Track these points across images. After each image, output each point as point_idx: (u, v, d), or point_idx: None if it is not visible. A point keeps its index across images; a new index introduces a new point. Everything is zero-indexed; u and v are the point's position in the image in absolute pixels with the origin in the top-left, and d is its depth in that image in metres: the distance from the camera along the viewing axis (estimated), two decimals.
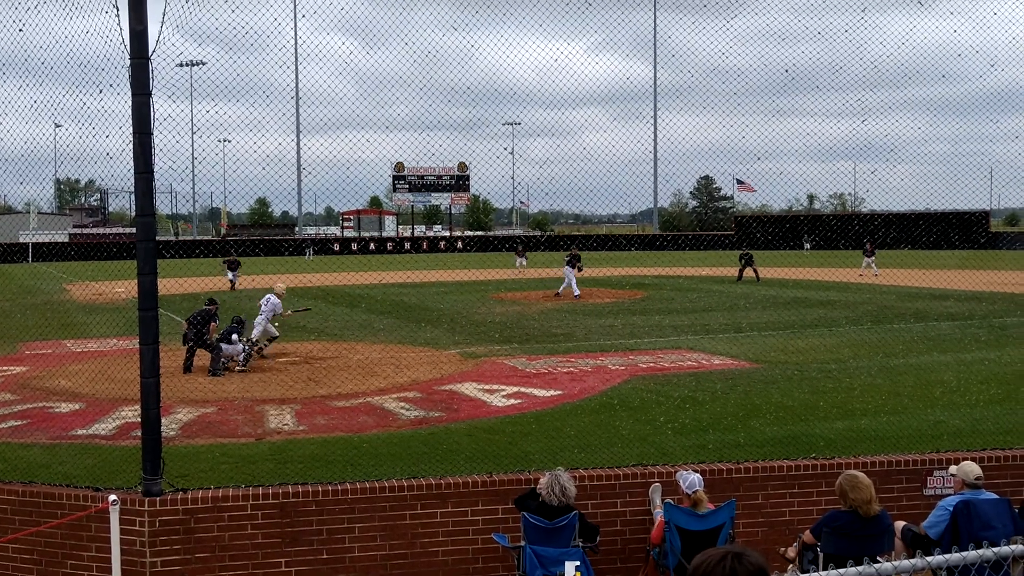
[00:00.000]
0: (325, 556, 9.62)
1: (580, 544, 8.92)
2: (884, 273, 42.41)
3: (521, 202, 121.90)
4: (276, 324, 21.74)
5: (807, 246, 73.64)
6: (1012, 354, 19.47)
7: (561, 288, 36.46)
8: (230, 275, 42.21)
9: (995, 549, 4.94)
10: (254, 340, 20.68)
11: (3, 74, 11.61)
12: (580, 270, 36.58)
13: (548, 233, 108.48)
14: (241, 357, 19.66)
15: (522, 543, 8.91)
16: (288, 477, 10.38)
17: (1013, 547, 5.07)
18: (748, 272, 43.38)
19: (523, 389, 16.53)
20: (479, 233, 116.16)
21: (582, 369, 18.52)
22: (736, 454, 11.16)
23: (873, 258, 46.74)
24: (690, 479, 9.30)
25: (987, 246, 75.08)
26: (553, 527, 8.80)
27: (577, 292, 35.69)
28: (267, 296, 21.45)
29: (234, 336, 19.83)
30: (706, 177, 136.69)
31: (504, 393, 16.22)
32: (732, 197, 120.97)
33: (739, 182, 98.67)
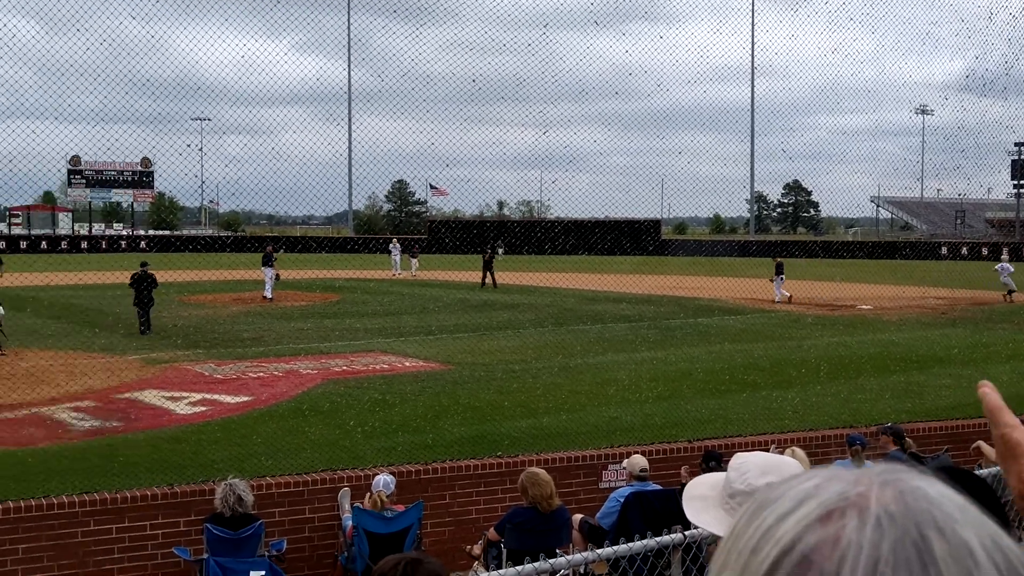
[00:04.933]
0: None
1: (266, 553, 8.73)
2: (567, 278, 44.71)
3: (211, 201, 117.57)
4: None
5: (501, 251, 76.33)
6: (677, 353, 21.09)
7: (268, 291, 35.21)
8: None
9: (657, 539, 5.32)
10: None
11: None
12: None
13: (240, 234, 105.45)
14: None
15: (205, 555, 8.59)
16: None
17: (673, 536, 5.49)
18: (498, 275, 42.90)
19: (210, 396, 15.97)
20: (165, 232, 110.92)
21: (273, 374, 18.15)
22: (425, 455, 11.34)
23: (416, 260, 51.35)
24: (377, 478, 9.35)
25: (657, 252, 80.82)
26: (238, 537, 8.55)
27: (270, 295, 34.91)
28: None
29: None
30: (401, 181, 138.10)
31: (189, 400, 15.60)
32: (426, 202, 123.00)
33: (432, 187, 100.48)
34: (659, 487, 9.75)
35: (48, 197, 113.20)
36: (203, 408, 15.05)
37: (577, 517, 9.62)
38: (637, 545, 5.30)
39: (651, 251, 79.19)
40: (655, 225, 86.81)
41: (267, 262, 35.68)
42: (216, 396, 15.95)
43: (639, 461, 9.85)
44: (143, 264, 26.28)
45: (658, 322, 28.04)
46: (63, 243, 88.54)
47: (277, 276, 35.34)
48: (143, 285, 25.31)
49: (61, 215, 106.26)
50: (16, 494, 9.53)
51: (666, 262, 57.64)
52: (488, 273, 42.35)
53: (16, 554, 8.94)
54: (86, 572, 9.14)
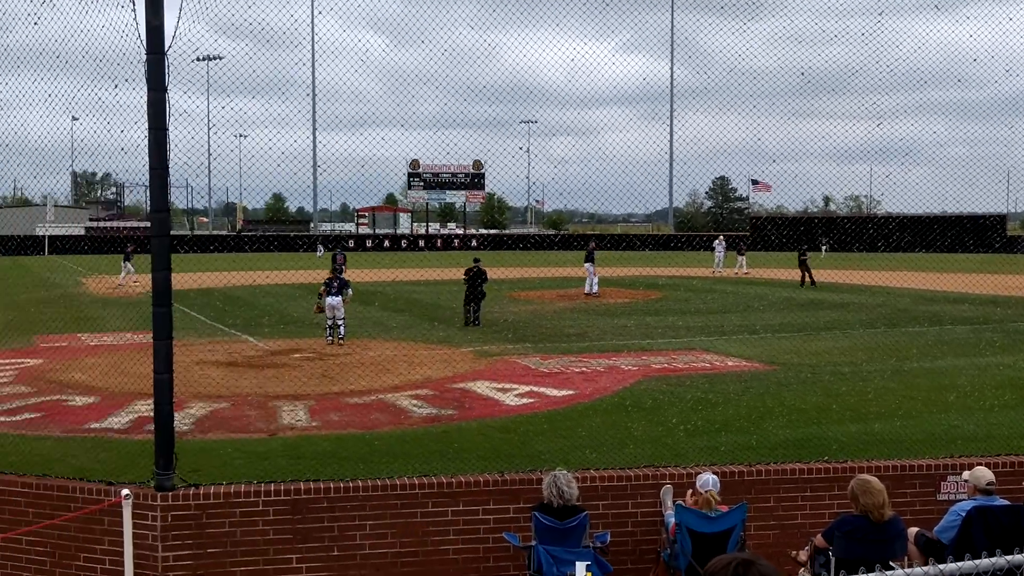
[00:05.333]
0: (336, 553, 9.63)
1: (591, 544, 8.91)
2: (901, 276, 42.21)
3: (536, 200, 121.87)
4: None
5: (824, 249, 73.31)
6: None
7: (588, 287, 36.33)
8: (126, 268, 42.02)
9: (1008, 557, 4.90)
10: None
11: (19, 67, 11.65)
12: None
13: (563, 232, 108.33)
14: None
15: (533, 542, 8.91)
16: (300, 474, 10.39)
17: None
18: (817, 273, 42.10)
19: (536, 388, 16.52)
20: (493, 231, 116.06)
21: (595, 369, 18.50)
22: (748, 456, 11.13)
23: (744, 257, 48.32)
24: (704, 477, 9.28)
25: (1003, 250, 74.51)
26: (564, 527, 8.80)
27: (595, 290, 35.78)
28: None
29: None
30: (722, 177, 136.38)
31: (517, 392, 16.22)
32: (747, 198, 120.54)
33: (754, 182, 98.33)
34: (1006, 502, 9.00)
35: (390, 199, 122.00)
36: (530, 400, 15.60)
37: (913, 530, 9.07)
38: (984, 563, 4.91)
39: (997, 248, 73.11)
40: (1000, 220, 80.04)
41: (589, 259, 36.51)
42: (542, 389, 16.48)
43: (984, 474, 9.12)
44: (476, 260, 27.87)
45: (1005, 325, 25.85)
46: (403, 241, 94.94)
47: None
48: (476, 280, 26.80)
49: (402, 215, 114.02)
50: (364, 474, 10.34)
51: (1015, 260, 53.02)
52: (806, 272, 41.04)
53: (364, 530, 9.70)
54: (425, 551, 9.75)
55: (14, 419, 14.09)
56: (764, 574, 3.01)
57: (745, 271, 48.91)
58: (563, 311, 30.50)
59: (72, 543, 9.63)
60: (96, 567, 9.57)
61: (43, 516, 9.66)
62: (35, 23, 10.69)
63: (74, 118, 13.91)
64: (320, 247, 77.72)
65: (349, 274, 27.48)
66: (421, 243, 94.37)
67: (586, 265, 36.55)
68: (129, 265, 41.47)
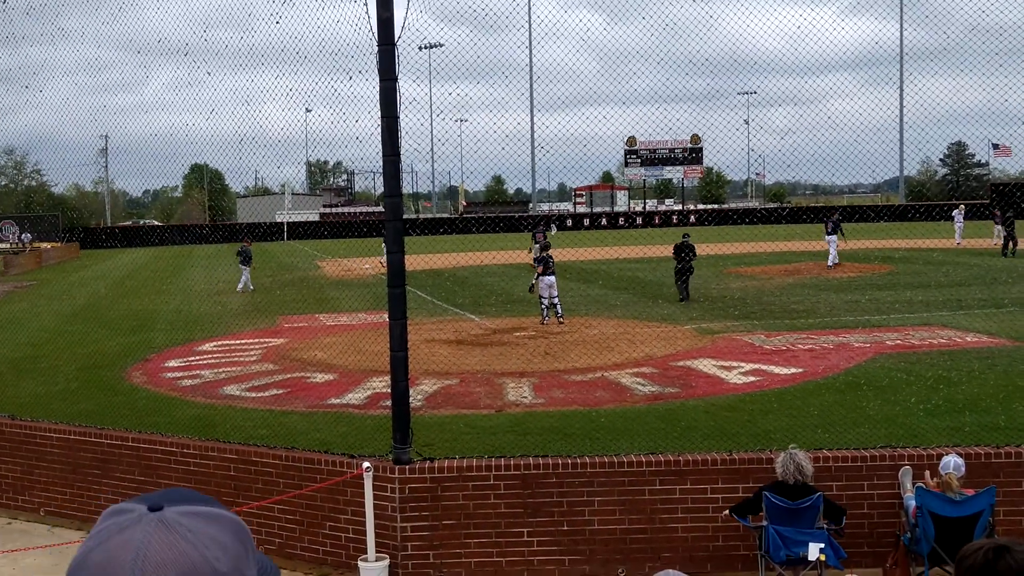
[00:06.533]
0: (566, 528, 9.79)
1: (825, 526, 8.66)
2: None
3: (756, 173, 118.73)
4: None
5: None
6: None
7: (831, 260, 35.54)
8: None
9: None
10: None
11: (263, 64, 12.40)
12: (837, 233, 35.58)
13: (786, 205, 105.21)
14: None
15: (764, 523, 8.74)
16: (528, 449, 10.63)
17: None
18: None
19: (761, 366, 16.18)
20: (712, 206, 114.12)
21: (824, 346, 17.92)
22: (995, 438, 10.48)
23: (1002, 227, 44.05)
24: (947, 459, 8.82)
25: None
26: (796, 508, 8.58)
27: (835, 261, 35.02)
28: None
29: None
30: (958, 143, 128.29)
31: (742, 370, 15.94)
32: (987, 163, 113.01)
33: (995, 146, 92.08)
34: None
35: (607, 177, 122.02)
36: (755, 378, 15.29)
37: None
38: None
39: None
40: None
41: (833, 230, 35.58)
42: (768, 367, 16.12)
43: None
44: (684, 236, 27.64)
45: None
46: (620, 219, 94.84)
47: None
48: (684, 255, 26.53)
49: (619, 193, 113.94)
50: (590, 450, 10.45)
51: None
52: (1010, 241, 39.04)
53: (592, 506, 9.80)
54: (653, 528, 9.75)
55: (263, 395, 15.10)
56: (1019, 561, 2.83)
57: (995, 242, 45.72)
58: (788, 286, 29.67)
59: (319, 512, 10.23)
60: (340, 536, 10.12)
61: (292, 486, 10.31)
62: (276, 22, 11.34)
63: (308, 110, 14.71)
64: (553, 226, 78.50)
65: (567, 253, 27.83)
66: (638, 220, 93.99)
67: (828, 237, 35.65)
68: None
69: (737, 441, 10.69)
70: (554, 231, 74.56)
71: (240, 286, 33.45)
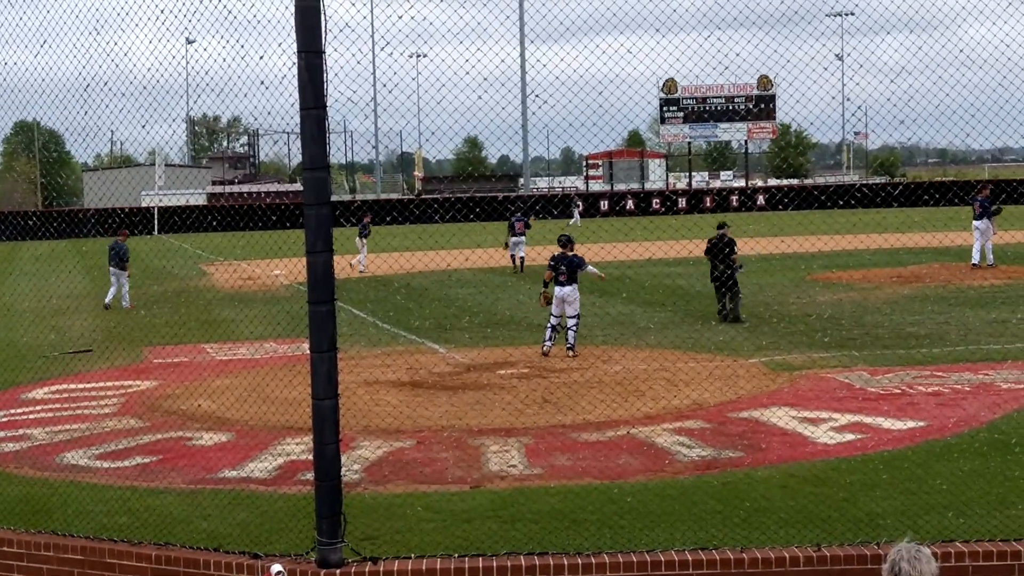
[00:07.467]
0: None
1: None
2: None
3: (856, 133, 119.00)
4: None
5: None
6: None
7: (977, 256, 35.68)
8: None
9: None
10: None
11: None
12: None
13: (900, 180, 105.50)
14: None
15: None
16: (518, 544, 10.58)
17: None
18: None
19: (864, 418, 16.21)
20: (791, 182, 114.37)
21: (956, 388, 17.97)
22: None
23: None
24: None
25: None
26: None
27: (989, 259, 35.23)
28: None
29: None
30: None
31: (835, 424, 15.97)
32: None
33: None
34: None
35: (635, 139, 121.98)
36: (854, 436, 15.31)
37: None
38: None
39: None
40: None
41: (983, 215, 35.66)
42: (873, 419, 16.14)
43: None
44: (720, 226, 27.75)
45: None
46: (654, 200, 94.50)
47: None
48: (720, 255, 26.55)
49: (652, 162, 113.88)
50: (611, 544, 10.42)
51: None
52: None
53: None
54: None
55: (122, 465, 15.00)
56: None
57: None
58: (902, 299, 29.76)
59: None
60: None
61: None
62: None
63: (189, 40, 14.55)
64: (575, 211, 78.28)
65: (582, 251, 27.82)
66: (681, 202, 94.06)
67: (976, 224, 35.72)
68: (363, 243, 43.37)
69: (829, 530, 10.70)
70: (576, 220, 74.57)
71: (108, 298, 33.30)
